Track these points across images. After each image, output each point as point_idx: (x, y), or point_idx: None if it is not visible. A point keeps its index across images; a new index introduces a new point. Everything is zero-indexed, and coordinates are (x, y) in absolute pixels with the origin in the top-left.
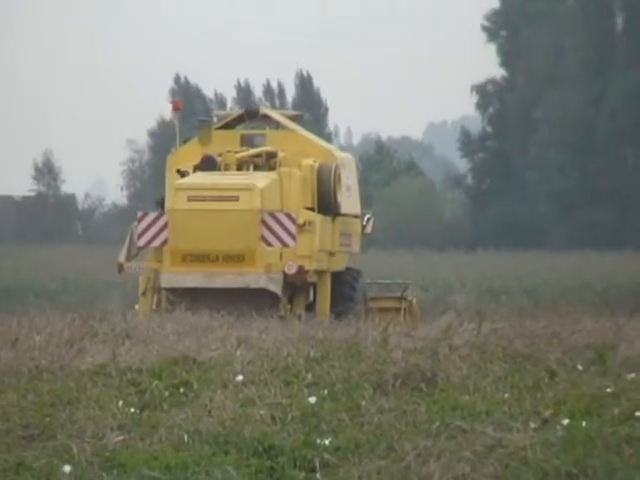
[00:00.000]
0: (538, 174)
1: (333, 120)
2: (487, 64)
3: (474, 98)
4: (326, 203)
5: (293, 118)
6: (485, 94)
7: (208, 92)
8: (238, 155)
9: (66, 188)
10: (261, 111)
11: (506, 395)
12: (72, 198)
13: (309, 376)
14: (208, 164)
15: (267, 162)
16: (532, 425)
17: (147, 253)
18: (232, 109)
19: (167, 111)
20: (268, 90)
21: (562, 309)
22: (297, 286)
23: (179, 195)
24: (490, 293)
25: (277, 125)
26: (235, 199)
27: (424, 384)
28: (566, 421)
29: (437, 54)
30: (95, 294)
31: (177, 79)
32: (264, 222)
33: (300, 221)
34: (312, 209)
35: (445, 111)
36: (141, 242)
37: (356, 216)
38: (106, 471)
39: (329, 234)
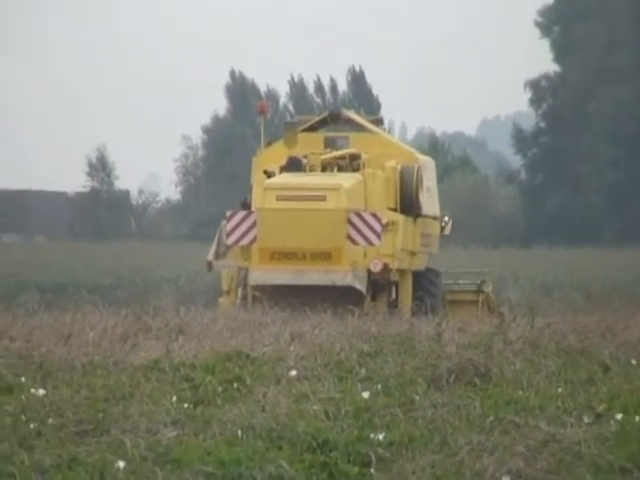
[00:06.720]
0: (591, 169)
1: (387, 115)
2: (541, 60)
3: (528, 94)
4: (408, 204)
5: (373, 122)
6: (539, 89)
7: (262, 87)
8: (323, 157)
9: (120, 184)
10: (343, 114)
11: (560, 390)
12: (126, 194)
13: (362, 371)
14: (294, 165)
15: (351, 164)
16: (586, 420)
17: (231, 251)
18: (285, 106)
19: (221, 107)
20: (319, 86)
21: (615, 304)
22: (379, 284)
23: (268, 195)
24: (543, 288)
25: (359, 128)
26: (322, 199)
27: (478, 379)
28: (620, 416)
29: (491, 50)
30: (148, 290)
31: (232, 74)
32: (350, 221)
33: (383, 221)
34: (395, 209)
35: (499, 106)
36: (230, 240)
37: (435, 217)
38: (160, 466)
39: (411, 234)
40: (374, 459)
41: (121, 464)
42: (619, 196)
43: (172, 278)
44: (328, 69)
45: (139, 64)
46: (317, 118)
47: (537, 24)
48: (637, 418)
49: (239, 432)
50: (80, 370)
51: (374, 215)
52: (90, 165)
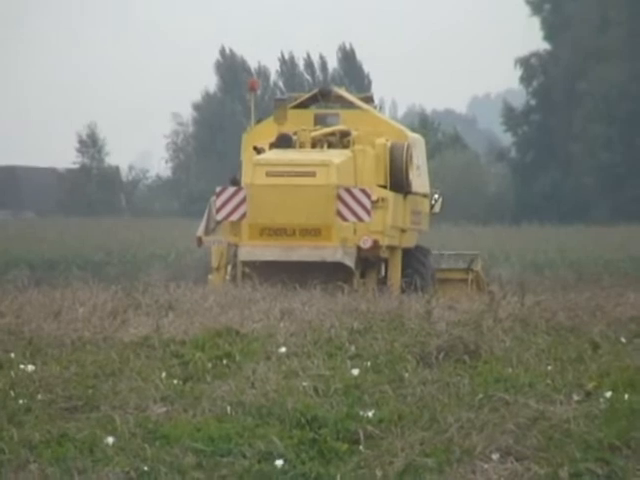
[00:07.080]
0: (582, 148)
1: (377, 93)
2: (531, 37)
3: (518, 71)
4: (398, 181)
5: (364, 99)
6: (529, 67)
7: (252, 64)
8: (313, 133)
9: (110, 160)
10: (334, 92)
11: (549, 367)
12: (116, 170)
13: (352, 348)
14: (284, 142)
15: (341, 141)
16: (575, 397)
17: (221, 226)
18: (275, 83)
19: (211, 84)
20: (309, 63)
21: (606, 282)
22: (369, 261)
23: (257, 170)
24: (534, 266)
25: (349, 105)
26: (312, 174)
27: (467, 356)
28: (609, 394)
29: (481, 27)
30: (138, 266)
31: (222, 51)
32: (340, 197)
33: (373, 197)
34: (385, 187)
35: (489, 84)
36: (219, 216)
37: (425, 195)
38: (149, 443)
39: (401, 211)
40: (363, 436)
41: (110, 440)
42: (610, 176)
43: (162, 254)
44: (319, 46)
45: (130, 41)
46: (307, 95)
47: (528, 2)
48: (626, 396)
49: (228, 408)
50: (70, 346)
51: (364, 191)
52: (80, 141)
